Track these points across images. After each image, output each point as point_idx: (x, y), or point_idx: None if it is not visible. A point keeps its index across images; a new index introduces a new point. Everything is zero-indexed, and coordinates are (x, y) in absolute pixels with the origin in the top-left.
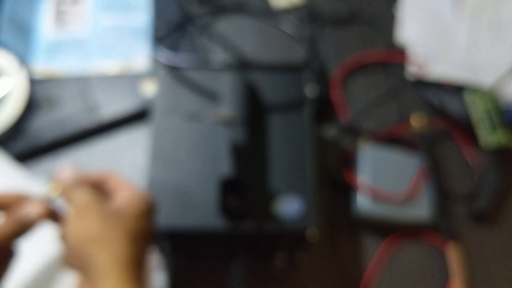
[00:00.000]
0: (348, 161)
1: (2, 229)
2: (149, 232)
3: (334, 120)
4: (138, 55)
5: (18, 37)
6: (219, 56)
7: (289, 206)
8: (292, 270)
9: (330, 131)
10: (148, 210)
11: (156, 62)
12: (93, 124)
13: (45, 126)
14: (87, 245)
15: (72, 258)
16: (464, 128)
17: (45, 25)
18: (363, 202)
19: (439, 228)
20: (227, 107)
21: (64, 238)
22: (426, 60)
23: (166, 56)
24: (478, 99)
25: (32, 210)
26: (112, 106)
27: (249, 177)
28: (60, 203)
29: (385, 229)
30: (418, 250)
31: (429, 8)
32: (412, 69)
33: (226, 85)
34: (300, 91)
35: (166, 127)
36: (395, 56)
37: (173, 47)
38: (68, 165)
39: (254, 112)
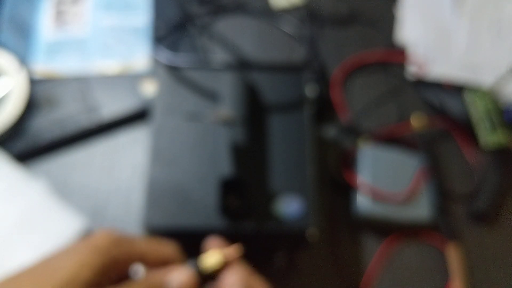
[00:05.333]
0: (348, 161)
1: None
2: None
3: (334, 120)
4: (138, 55)
5: (18, 37)
6: (219, 56)
7: (289, 206)
8: (292, 270)
9: (330, 131)
10: None
11: (156, 62)
12: (93, 124)
13: (45, 126)
14: None
15: None
16: (464, 128)
17: (45, 25)
18: (363, 202)
19: (439, 228)
20: (227, 107)
21: None
22: (426, 60)
23: (166, 56)
24: (478, 99)
25: (176, 279)
26: (112, 106)
27: (249, 177)
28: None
29: (385, 229)
30: (418, 250)
31: (429, 8)
32: (412, 69)
33: (226, 85)
34: (300, 91)
35: (166, 127)
36: (395, 56)
37: (173, 47)
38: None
39: (254, 112)
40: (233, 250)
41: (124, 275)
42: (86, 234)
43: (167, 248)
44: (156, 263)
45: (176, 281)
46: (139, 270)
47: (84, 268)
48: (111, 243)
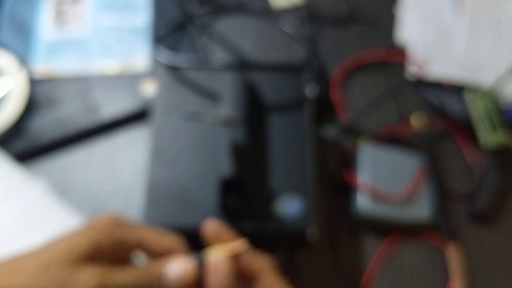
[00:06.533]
0: (348, 161)
1: (129, 277)
2: None
3: (334, 120)
4: (138, 55)
5: (18, 37)
6: (219, 56)
7: (289, 206)
8: (292, 270)
9: (330, 131)
10: None
11: (156, 62)
12: (93, 124)
13: (45, 126)
14: None
15: None
16: (464, 128)
17: (45, 25)
18: (363, 202)
19: (439, 228)
20: (227, 107)
21: None
22: (426, 60)
23: (166, 56)
24: (478, 99)
25: (175, 269)
26: (112, 106)
27: (249, 177)
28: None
29: (385, 229)
30: (418, 250)
31: (429, 8)
32: (412, 69)
33: (226, 85)
34: (300, 91)
35: (166, 127)
36: (395, 56)
37: (173, 47)
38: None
39: (254, 112)
40: (238, 245)
41: (125, 260)
42: None
43: (170, 239)
44: (158, 253)
45: (175, 271)
46: (140, 257)
47: (81, 241)
48: (111, 222)
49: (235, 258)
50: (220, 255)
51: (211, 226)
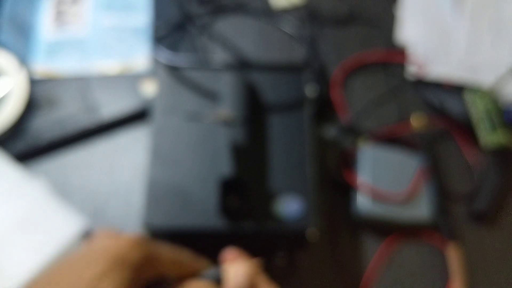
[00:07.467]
0: (348, 161)
1: None
2: None
3: (334, 120)
4: (138, 55)
5: (18, 37)
6: (219, 56)
7: (289, 206)
8: (292, 270)
9: (330, 131)
10: None
11: (156, 62)
12: (93, 124)
13: (45, 126)
14: None
15: None
16: (464, 128)
17: (45, 25)
18: (363, 202)
19: (439, 228)
20: (227, 107)
21: None
22: (426, 60)
23: (166, 56)
24: (478, 99)
25: None
26: (112, 106)
27: (249, 177)
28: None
29: (385, 229)
30: (418, 250)
31: (429, 8)
32: (412, 69)
33: (226, 85)
34: (300, 91)
35: (166, 127)
36: (395, 56)
37: (173, 47)
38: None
39: (254, 112)
40: (255, 264)
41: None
42: (87, 234)
43: (186, 259)
44: (172, 274)
45: None
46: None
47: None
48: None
49: (250, 277)
50: (237, 271)
51: (230, 254)
